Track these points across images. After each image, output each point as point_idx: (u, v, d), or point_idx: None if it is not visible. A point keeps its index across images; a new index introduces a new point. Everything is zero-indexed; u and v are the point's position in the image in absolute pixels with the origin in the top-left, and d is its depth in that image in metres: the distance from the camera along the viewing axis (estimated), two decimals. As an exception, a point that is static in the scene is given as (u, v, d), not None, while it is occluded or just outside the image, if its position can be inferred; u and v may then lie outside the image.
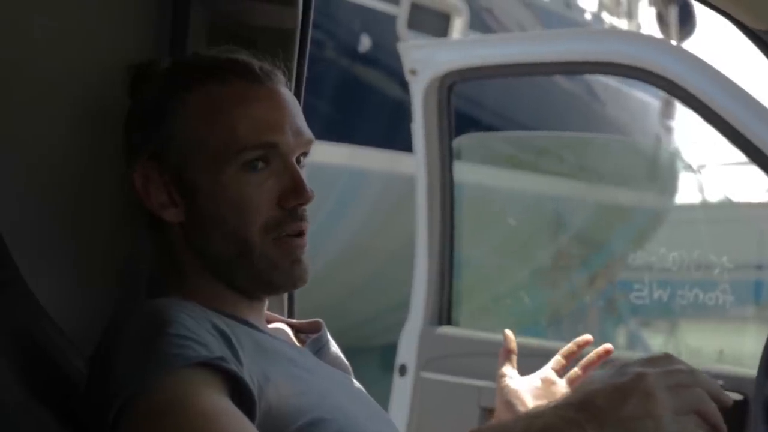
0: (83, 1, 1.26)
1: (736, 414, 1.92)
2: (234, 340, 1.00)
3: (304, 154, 1.14)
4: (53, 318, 1.13)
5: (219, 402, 0.93)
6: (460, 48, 3.01)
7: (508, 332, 1.32)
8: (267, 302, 1.18)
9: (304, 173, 1.13)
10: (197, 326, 0.98)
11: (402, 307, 2.72)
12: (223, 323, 1.02)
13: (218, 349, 0.96)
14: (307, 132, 1.14)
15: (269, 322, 1.22)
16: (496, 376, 1.29)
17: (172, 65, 1.17)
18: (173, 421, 0.91)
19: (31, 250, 1.16)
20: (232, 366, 0.95)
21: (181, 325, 0.97)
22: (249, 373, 0.98)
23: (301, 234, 1.11)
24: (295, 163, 1.12)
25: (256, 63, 1.13)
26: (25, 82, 1.20)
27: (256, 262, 1.09)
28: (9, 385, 0.94)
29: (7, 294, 1.07)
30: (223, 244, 1.09)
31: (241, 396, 0.96)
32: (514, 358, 1.30)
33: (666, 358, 0.91)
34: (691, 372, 0.90)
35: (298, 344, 1.21)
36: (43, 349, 1.06)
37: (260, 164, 1.09)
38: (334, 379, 1.13)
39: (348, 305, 6.55)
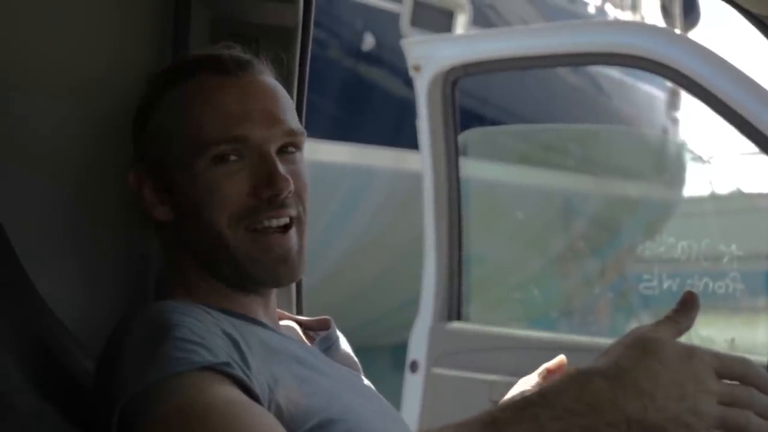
0: (87, 5, 1.26)
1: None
2: (243, 344, 0.99)
3: (293, 145, 1.11)
4: (59, 318, 1.13)
5: (229, 395, 0.93)
6: (464, 43, 3.01)
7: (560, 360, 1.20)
8: (275, 298, 1.18)
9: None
10: (204, 330, 0.97)
11: (412, 305, 2.71)
12: (231, 326, 1.01)
13: (225, 354, 0.95)
14: (291, 122, 1.10)
15: (279, 319, 1.21)
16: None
17: (159, 70, 1.17)
18: (184, 420, 0.90)
19: (36, 249, 1.17)
20: (238, 372, 0.94)
21: (187, 329, 0.96)
22: (257, 376, 0.97)
23: (285, 228, 1.08)
24: (272, 152, 1.08)
25: (228, 55, 1.11)
26: (32, 82, 1.21)
27: (233, 254, 1.07)
28: (19, 388, 0.94)
29: (13, 294, 1.07)
30: (201, 238, 1.08)
31: None
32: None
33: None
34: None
35: (307, 342, 1.20)
36: (50, 349, 1.06)
37: (232, 157, 1.07)
38: (343, 378, 1.12)
39: (358, 304, 6.55)
